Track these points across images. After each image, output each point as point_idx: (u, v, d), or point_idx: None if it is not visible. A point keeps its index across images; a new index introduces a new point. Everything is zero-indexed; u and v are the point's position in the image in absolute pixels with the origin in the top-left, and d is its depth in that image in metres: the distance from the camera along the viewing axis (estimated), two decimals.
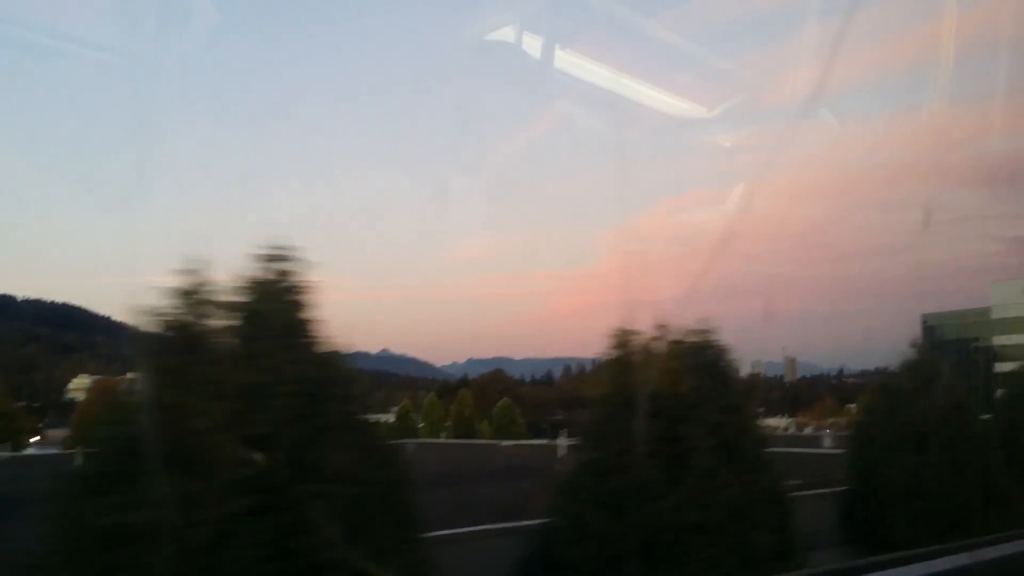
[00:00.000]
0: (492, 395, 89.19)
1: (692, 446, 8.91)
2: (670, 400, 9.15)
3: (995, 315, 78.19)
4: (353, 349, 7.15)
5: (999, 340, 75.83)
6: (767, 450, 9.64)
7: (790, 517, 9.32)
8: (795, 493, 13.77)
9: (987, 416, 16.55)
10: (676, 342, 9.66)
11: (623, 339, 9.56)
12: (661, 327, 9.64)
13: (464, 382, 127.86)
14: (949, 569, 6.34)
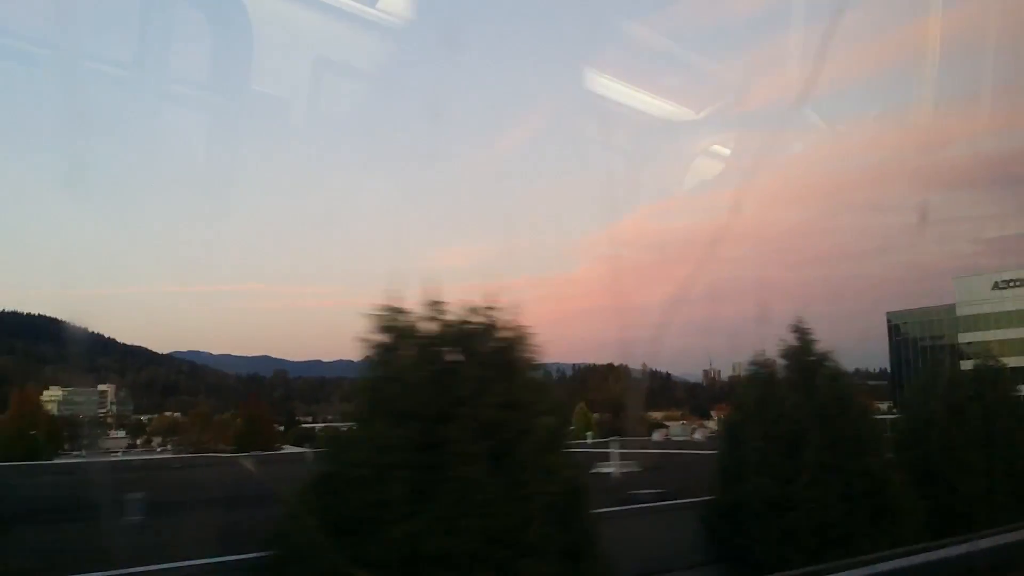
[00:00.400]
0: None
1: (456, 452, 7.06)
2: (433, 396, 7.30)
3: (960, 312, 77.14)
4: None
5: (964, 337, 74.76)
6: (564, 452, 7.80)
7: (586, 539, 7.49)
8: (656, 503, 12.00)
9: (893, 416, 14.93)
10: (451, 324, 7.81)
11: (387, 321, 7.69)
12: (435, 305, 7.78)
13: None
14: None
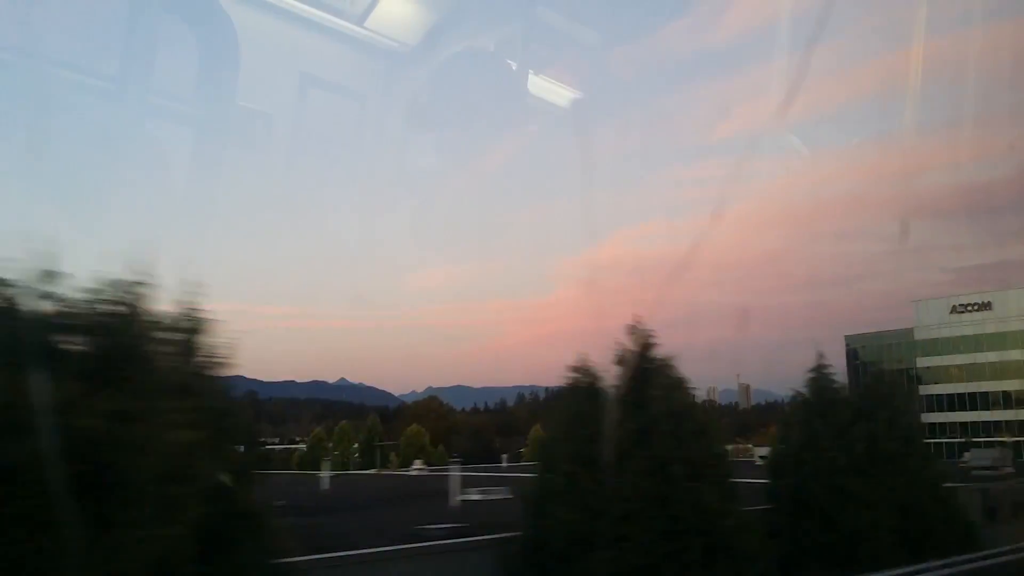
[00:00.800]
0: (428, 422, 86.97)
1: (26, 479, 5.03)
2: (14, 400, 5.28)
3: (918, 336, 75.98)
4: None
5: (923, 362, 73.51)
6: (209, 479, 5.76)
7: None
8: (439, 542, 9.97)
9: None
10: (73, 305, 5.79)
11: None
12: (49, 278, 5.76)
13: (398, 410, 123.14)
14: None
